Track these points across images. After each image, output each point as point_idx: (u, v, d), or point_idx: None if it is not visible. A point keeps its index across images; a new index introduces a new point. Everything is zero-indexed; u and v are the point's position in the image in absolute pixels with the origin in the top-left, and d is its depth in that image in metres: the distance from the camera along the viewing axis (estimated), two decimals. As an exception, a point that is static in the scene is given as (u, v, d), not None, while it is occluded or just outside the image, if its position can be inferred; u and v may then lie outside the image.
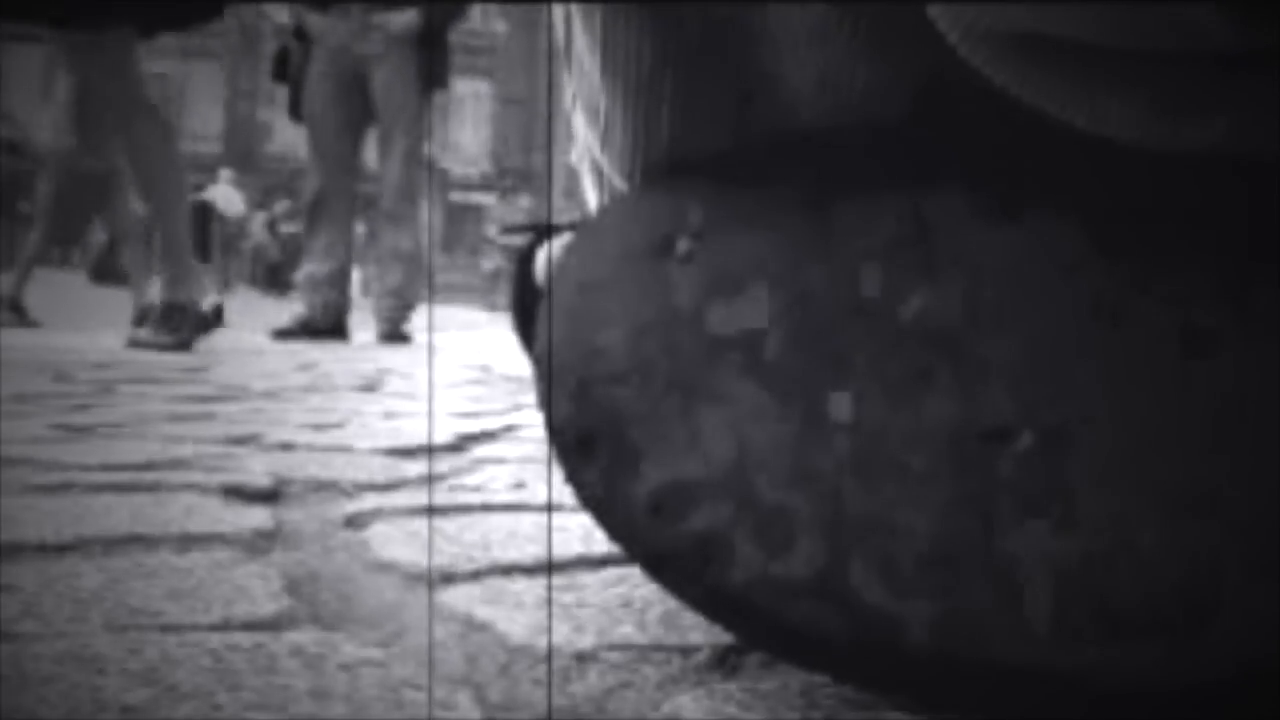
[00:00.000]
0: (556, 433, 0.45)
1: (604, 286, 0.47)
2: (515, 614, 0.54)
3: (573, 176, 0.64)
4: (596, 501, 0.44)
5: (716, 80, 0.49)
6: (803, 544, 0.41)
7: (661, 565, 0.43)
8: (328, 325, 3.64)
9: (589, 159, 0.56)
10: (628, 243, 0.47)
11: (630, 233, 0.48)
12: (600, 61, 0.51)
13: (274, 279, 14.88)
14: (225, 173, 16.47)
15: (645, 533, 0.43)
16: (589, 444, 0.44)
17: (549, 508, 0.81)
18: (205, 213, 15.37)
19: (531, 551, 0.67)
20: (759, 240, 0.46)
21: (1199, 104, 0.40)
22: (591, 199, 0.58)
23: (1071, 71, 0.41)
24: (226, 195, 15.59)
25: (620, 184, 0.53)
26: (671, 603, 0.53)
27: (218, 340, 3.02)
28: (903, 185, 0.46)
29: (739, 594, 0.41)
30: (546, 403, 0.46)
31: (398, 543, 0.69)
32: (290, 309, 4.08)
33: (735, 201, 0.47)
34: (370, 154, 3.76)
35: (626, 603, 0.56)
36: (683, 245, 0.46)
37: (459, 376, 2.30)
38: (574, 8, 0.51)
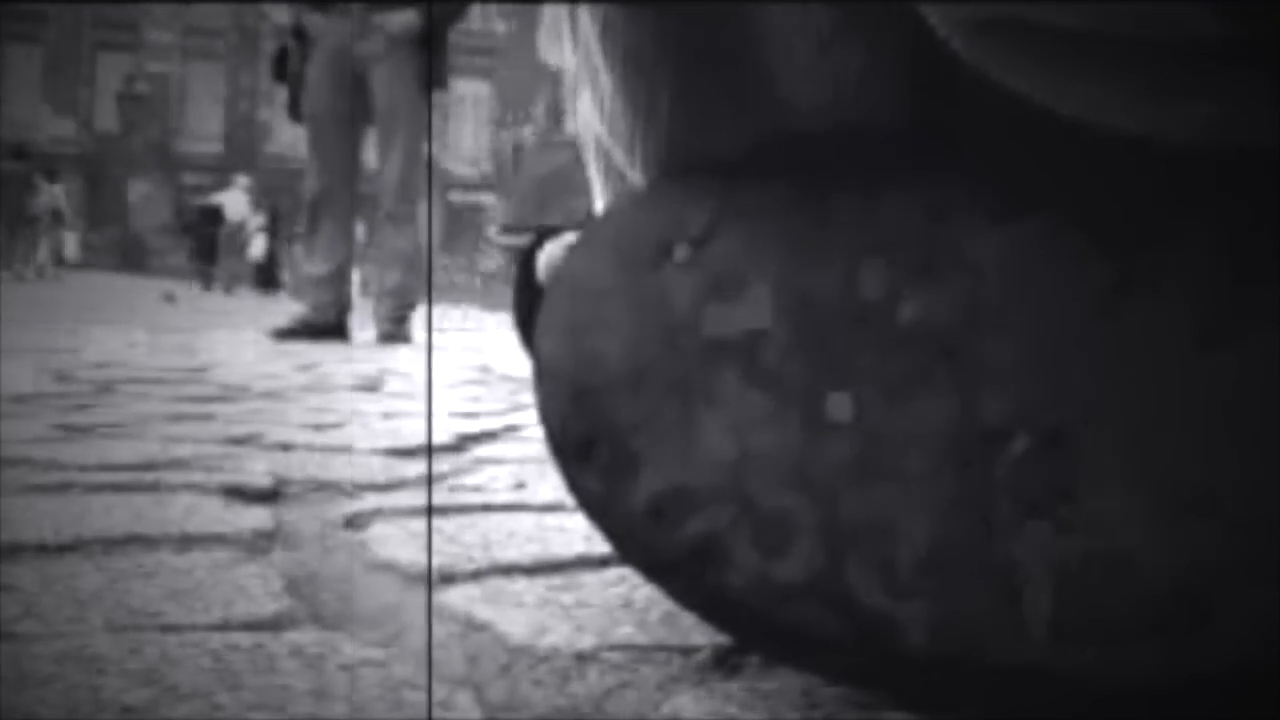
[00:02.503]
0: (555, 438, 0.45)
1: (602, 293, 0.47)
2: (515, 614, 0.54)
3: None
4: (596, 506, 0.44)
5: (719, 76, 0.49)
6: (802, 547, 0.41)
7: (661, 569, 0.43)
8: (328, 325, 3.64)
9: (594, 147, 0.56)
10: (626, 249, 0.48)
11: (628, 239, 0.48)
12: (604, 52, 0.51)
13: (261, 279, 15.07)
14: (241, 179, 16.63)
15: (645, 537, 0.43)
16: (588, 449, 0.44)
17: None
18: (214, 216, 15.57)
19: (531, 551, 0.67)
20: (757, 245, 0.46)
21: (1183, 91, 0.40)
22: (597, 186, 0.58)
23: (1054, 58, 0.41)
24: (234, 200, 15.76)
25: (626, 172, 0.53)
26: (672, 603, 0.53)
27: (218, 340, 3.02)
28: (903, 185, 0.46)
29: (738, 597, 0.41)
30: (545, 409, 0.46)
31: (398, 543, 0.69)
32: (288, 309, 4.07)
33: (732, 207, 0.47)
34: (370, 154, 3.76)
35: (626, 603, 0.56)
36: (681, 251, 0.46)
37: (459, 376, 2.30)
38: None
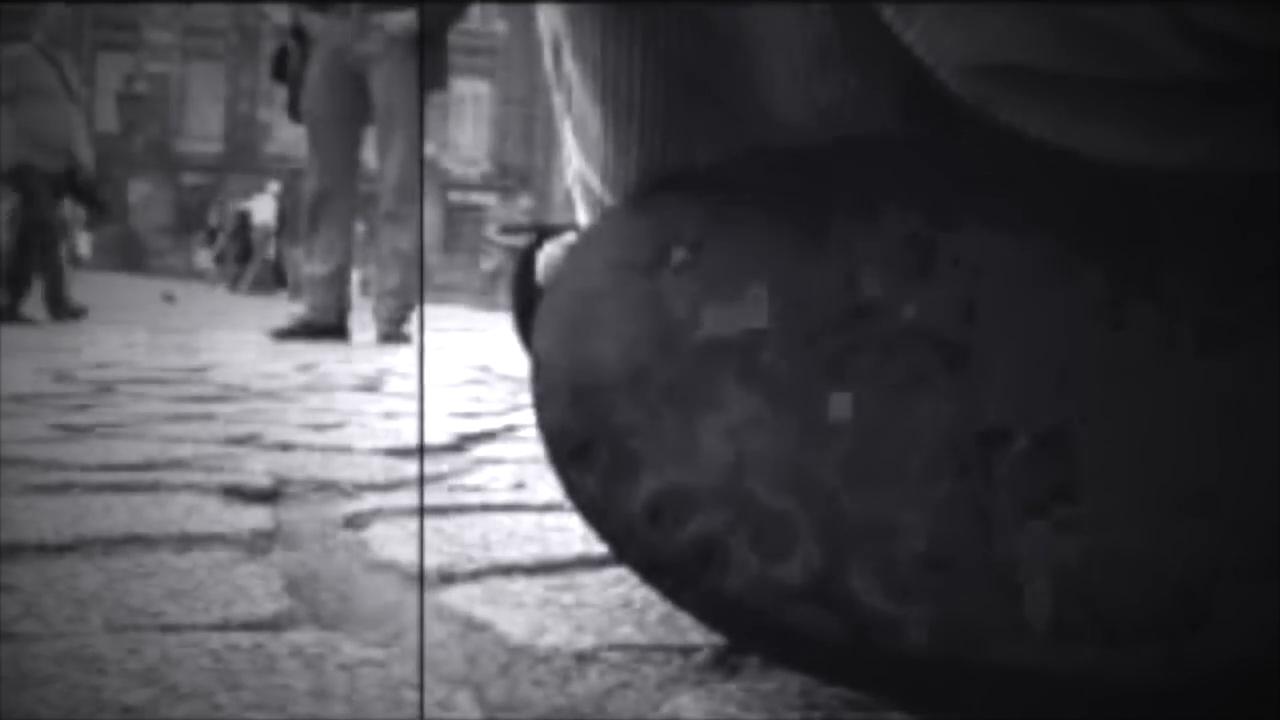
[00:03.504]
0: (553, 439, 0.45)
1: (600, 295, 0.47)
2: (515, 614, 0.54)
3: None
4: (593, 507, 0.44)
5: (705, 99, 0.49)
6: (800, 548, 0.41)
7: (658, 571, 0.43)
8: (328, 325, 3.64)
9: (580, 179, 0.56)
10: (623, 252, 0.48)
11: (626, 243, 0.48)
12: (590, 84, 0.51)
13: (274, 278, 15.27)
14: (272, 184, 16.90)
15: (643, 538, 0.43)
16: (585, 451, 0.44)
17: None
18: (245, 221, 15.91)
19: (531, 551, 0.67)
20: (754, 249, 0.46)
21: (1178, 127, 0.41)
22: (583, 218, 0.58)
23: (1050, 99, 0.42)
24: (263, 205, 16.02)
25: (612, 202, 0.53)
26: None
27: (218, 340, 3.02)
28: (900, 189, 0.46)
29: (736, 598, 0.41)
30: (543, 410, 0.46)
31: (397, 543, 0.69)
32: (290, 309, 4.07)
33: (730, 212, 0.47)
34: (370, 154, 3.76)
35: (626, 603, 0.56)
36: (678, 255, 0.46)
37: (459, 376, 2.30)
38: (563, 31, 0.51)
